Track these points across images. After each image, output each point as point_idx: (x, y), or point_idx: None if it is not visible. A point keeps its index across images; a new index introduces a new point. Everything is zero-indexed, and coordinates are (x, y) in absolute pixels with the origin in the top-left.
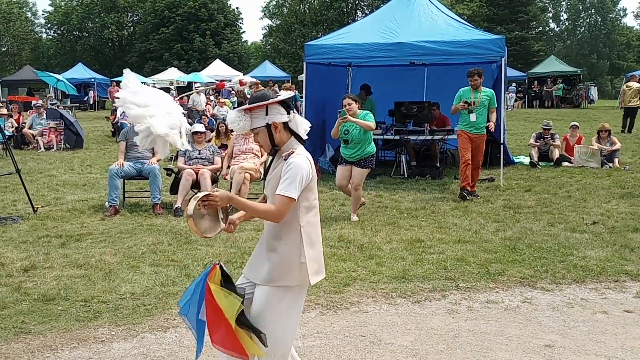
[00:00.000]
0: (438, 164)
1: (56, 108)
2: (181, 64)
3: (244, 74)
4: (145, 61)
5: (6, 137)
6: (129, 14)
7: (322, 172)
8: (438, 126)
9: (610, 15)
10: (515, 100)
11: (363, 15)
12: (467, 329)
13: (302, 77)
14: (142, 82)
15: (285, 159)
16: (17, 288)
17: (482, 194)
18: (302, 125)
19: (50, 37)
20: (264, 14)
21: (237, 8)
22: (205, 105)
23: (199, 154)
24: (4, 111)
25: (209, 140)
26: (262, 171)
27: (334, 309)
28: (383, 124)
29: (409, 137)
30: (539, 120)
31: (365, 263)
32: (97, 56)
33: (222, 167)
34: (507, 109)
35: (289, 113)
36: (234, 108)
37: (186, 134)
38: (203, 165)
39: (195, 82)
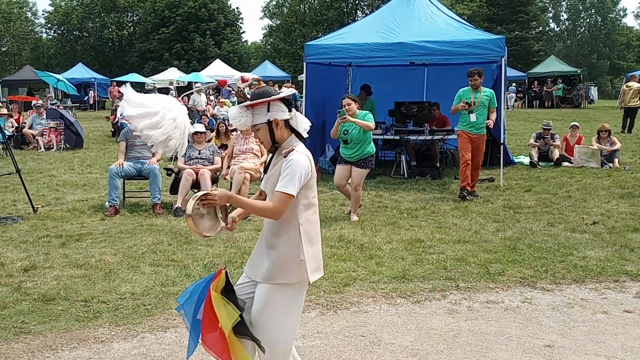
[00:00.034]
0: (438, 164)
1: (56, 108)
2: (181, 64)
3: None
4: (145, 61)
5: (6, 137)
6: (129, 14)
7: (322, 172)
8: (438, 126)
9: (611, 15)
10: (515, 100)
11: (363, 15)
12: (467, 329)
13: (302, 77)
14: (145, 82)
15: (285, 156)
16: (17, 288)
17: (482, 194)
18: (303, 124)
19: (50, 37)
20: (264, 14)
21: (237, 8)
22: (206, 105)
23: (199, 154)
24: (4, 111)
25: (209, 140)
26: (262, 171)
27: (334, 309)
28: (383, 124)
29: (409, 137)
30: (539, 120)
31: (365, 263)
32: (97, 56)
33: (222, 167)
34: (507, 109)
35: (290, 110)
36: None
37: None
38: (203, 165)
39: (196, 83)
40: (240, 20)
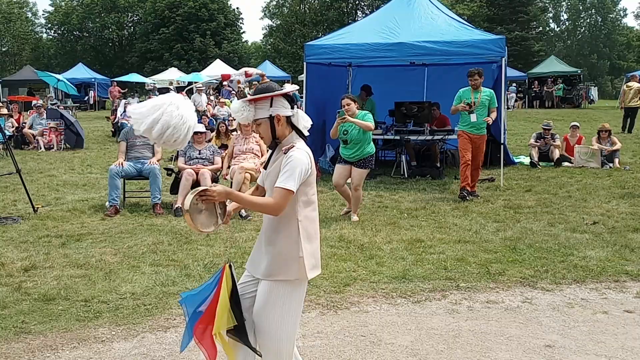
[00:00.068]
0: (438, 164)
1: (56, 108)
2: (181, 64)
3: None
4: (145, 61)
5: (6, 137)
6: (129, 14)
7: (323, 172)
8: (438, 126)
9: (611, 16)
10: (516, 100)
11: (363, 15)
12: (468, 329)
13: (303, 77)
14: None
15: (285, 153)
16: (18, 288)
17: (482, 194)
18: (304, 122)
19: (50, 37)
20: (264, 14)
21: (237, 8)
22: (206, 106)
23: (199, 154)
24: (5, 111)
25: (209, 140)
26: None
27: (334, 309)
28: (383, 124)
29: (409, 137)
30: (539, 120)
31: (366, 263)
32: (97, 56)
33: (222, 167)
34: (507, 109)
35: (292, 108)
36: None
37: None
38: (203, 165)
39: (196, 82)
40: (241, 21)
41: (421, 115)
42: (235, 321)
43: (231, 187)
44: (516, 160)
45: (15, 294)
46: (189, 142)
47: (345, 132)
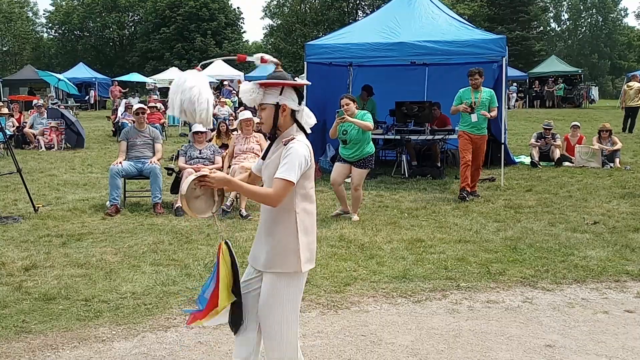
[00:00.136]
0: (439, 164)
1: (57, 107)
2: (182, 64)
3: (244, 74)
4: (146, 61)
5: (7, 136)
6: (130, 14)
7: (323, 172)
8: (439, 126)
9: (612, 15)
10: (516, 100)
11: (364, 15)
12: (468, 328)
13: (303, 76)
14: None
15: (285, 144)
16: (18, 287)
17: (482, 193)
18: (308, 119)
19: (51, 36)
20: (265, 14)
21: (238, 8)
22: None
23: (200, 153)
24: (5, 110)
25: (210, 140)
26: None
27: (335, 308)
28: (384, 124)
29: (409, 136)
30: (539, 120)
31: (366, 263)
32: (98, 56)
33: (222, 167)
34: (507, 108)
35: (299, 103)
36: (235, 107)
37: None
38: (204, 164)
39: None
40: (241, 20)
41: (422, 115)
42: (234, 296)
43: None
44: (517, 160)
45: (15, 293)
46: (189, 142)
47: (344, 132)
